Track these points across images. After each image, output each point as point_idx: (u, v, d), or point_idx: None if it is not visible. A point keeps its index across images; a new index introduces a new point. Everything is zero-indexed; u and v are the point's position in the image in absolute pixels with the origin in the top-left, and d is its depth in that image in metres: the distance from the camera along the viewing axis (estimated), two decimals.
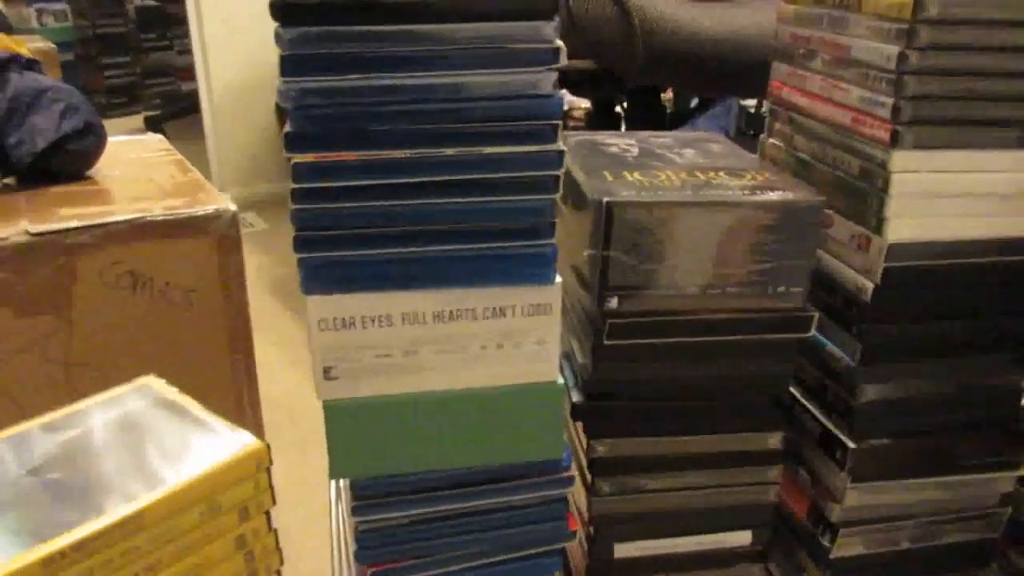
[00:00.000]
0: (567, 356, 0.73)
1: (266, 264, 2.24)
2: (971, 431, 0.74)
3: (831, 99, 0.71)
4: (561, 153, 0.53)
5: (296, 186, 0.51)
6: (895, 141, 0.63)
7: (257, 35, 2.54)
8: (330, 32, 0.48)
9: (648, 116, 1.37)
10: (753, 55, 0.97)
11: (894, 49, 0.62)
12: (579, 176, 0.67)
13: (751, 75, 0.87)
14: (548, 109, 0.52)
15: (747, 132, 2.10)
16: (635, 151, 0.74)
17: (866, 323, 0.68)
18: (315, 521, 1.18)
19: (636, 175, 0.67)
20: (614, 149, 0.75)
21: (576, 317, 0.70)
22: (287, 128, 0.50)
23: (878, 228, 0.66)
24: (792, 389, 0.79)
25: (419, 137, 0.51)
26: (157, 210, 0.94)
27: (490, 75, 0.51)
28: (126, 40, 3.72)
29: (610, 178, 0.66)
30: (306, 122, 0.50)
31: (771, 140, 0.83)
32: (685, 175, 0.67)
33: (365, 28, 0.48)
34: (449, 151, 0.52)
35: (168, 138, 1.26)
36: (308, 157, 0.51)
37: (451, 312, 0.56)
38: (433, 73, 0.50)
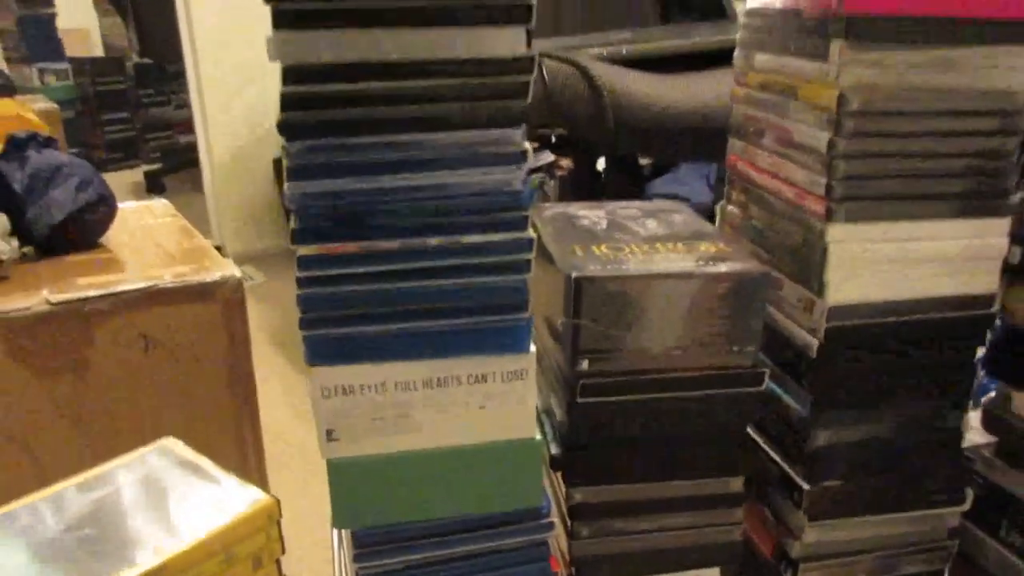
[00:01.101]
0: (547, 412, 0.80)
1: (265, 315, 2.31)
2: (918, 471, 0.82)
3: (778, 175, 0.80)
4: (531, 240, 0.61)
5: (301, 274, 0.59)
6: (830, 216, 0.71)
7: (255, 92, 2.64)
8: (329, 144, 0.56)
9: (626, 173, 1.46)
10: (718, 124, 1.06)
11: (825, 135, 0.70)
12: (552, 248, 0.75)
13: (717, 142, 0.95)
14: (518, 202, 0.60)
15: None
16: (604, 224, 0.82)
17: (814, 376, 0.76)
18: (317, 551, 1.24)
19: (603, 248, 0.75)
20: (585, 222, 0.83)
21: (553, 375, 0.78)
22: (293, 225, 0.58)
23: (820, 292, 0.74)
24: (756, 436, 0.86)
25: (408, 229, 0.59)
26: (167, 277, 1.01)
27: (468, 175, 0.59)
28: (125, 97, 3.83)
29: (579, 252, 0.73)
30: (310, 219, 0.58)
31: (730, 207, 0.91)
32: (647, 247, 0.75)
33: (359, 140, 0.56)
34: (434, 241, 0.60)
35: (168, 192, 1.33)
36: (312, 249, 0.58)
37: (439, 379, 0.63)
38: (419, 175, 0.58)
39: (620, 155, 1.39)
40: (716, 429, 0.76)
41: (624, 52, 1.13)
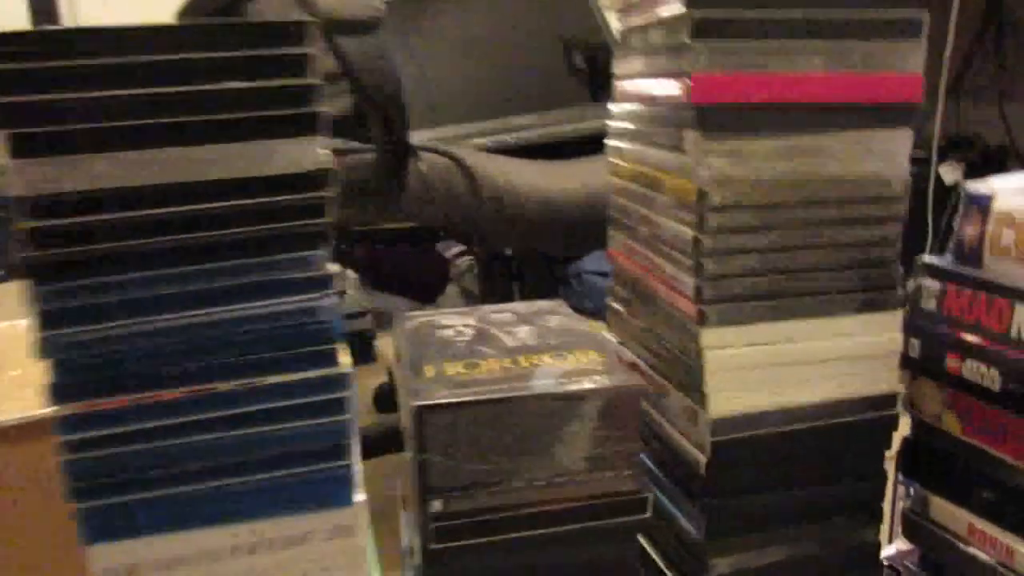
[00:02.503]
0: (408, 552, 0.70)
1: None
2: None
3: (652, 272, 0.73)
4: (345, 375, 0.52)
5: (64, 438, 0.49)
6: (702, 320, 0.64)
7: None
8: (83, 285, 0.48)
9: (538, 261, 1.39)
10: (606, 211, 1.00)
11: (690, 233, 0.64)
12: (405, 371, 0.67)
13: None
14: (326, 334, 0.52)
15: None
16: (469, 333, 0.74)
17: (706, 497, 0.68)
18: None
19: (458, 366, 0.66)
20: (449, 332, 0.75)
21: (414, 517, 0.68)
22: (50, 379, 0.49)
23: (702, 402, 0.66)
24: (657, 559, 0.77)
25: (190, 375, 0.50)
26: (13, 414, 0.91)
27: (260, 308, 0.50)
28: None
29: (430, 374, 0.65)
30: (68, 373, 0.49)
31: (614, 304, 0.84)
32: (508, 362, 0.67)
33: (120, 277, 0.48)
34: (224, 385, 0.51)
35: None
36: (75, 407, 0.49)
37: (250, 545, 0.54)
38: (199, 312, 0.50)
39: (518, 248, 1.33)
40: (601, 567, 0.66)
41: (511, 140, 1.08)
